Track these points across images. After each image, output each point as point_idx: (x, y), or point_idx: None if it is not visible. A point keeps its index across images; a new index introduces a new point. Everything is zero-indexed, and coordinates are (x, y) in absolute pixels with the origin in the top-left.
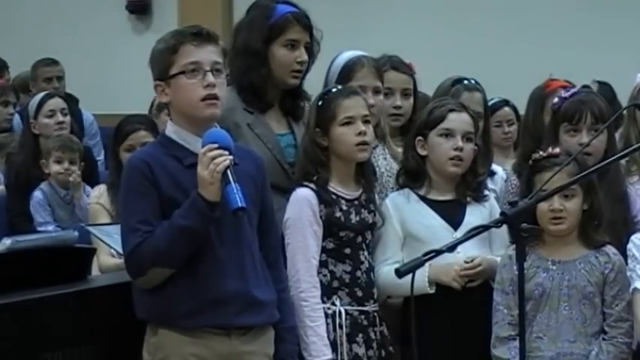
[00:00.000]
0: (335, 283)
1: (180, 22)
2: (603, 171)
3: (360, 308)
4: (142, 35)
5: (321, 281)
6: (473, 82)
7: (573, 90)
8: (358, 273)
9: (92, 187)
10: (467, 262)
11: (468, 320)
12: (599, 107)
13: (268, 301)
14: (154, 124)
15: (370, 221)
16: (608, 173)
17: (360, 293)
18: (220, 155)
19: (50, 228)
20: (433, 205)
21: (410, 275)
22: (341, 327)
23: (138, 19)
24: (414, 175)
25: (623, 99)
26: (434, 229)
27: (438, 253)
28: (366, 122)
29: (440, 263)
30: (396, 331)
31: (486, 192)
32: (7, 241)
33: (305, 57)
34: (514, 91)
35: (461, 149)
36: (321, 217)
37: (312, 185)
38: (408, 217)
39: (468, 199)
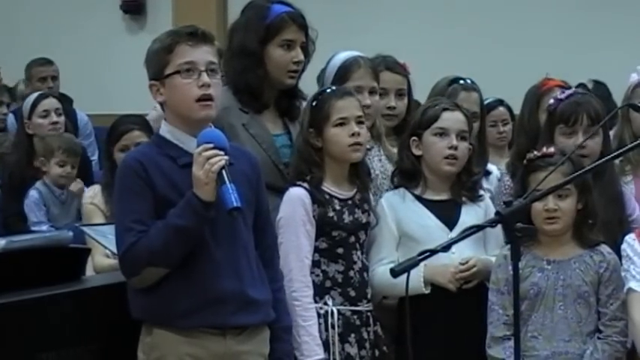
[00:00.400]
0: (327, 283)
1: (174, 22)
2: (598, 171)
3: (353, 308)
4: (137, 35)
5: (313, 281)
6: (469, 81)
7: (569, 91)
8: (351, 273)
9: (87, 187)
10: (462, 264)
11: (463, 320)
12: (594, 109)
13: (264, 300)
14: (148, 125)
15: (364, 221)
16: (604, 174)
17: (352, 293)
18: (216, 155)
19: (44, 228)
20: (428, 204)
21: (405, 275)
22: (333, 327)
23: (132, 19)
24: (409, 175)
25: (619, 98)
26: (429, 228)
27: (433, 253)
28: (359, 123)
29: (435, 263)
30: (391, 332)
31: (481, 192)
32: (2, 242)
33: (301, 57)
34: (509, 90)
35: (455, 148)
36: (314, 216)
37: (305, 185)
38: (403, 217)
39: (464, 198)
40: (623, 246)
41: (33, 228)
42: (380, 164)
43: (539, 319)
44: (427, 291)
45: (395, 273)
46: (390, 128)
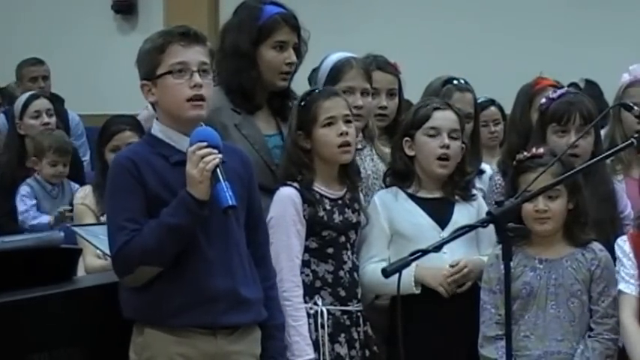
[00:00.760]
0: (317, 283)
1: (165, 22)
2: (590, 171)
3: (343, 308)
4: (128, 35)
5: (303, 281)
6: (463, 82)
7: (561, 91)
8: (341, 273)
9: (78, 187)
10: (452, 266)
11: (455, 320)
12: (587, 108)
13: (255, 299)
14: (140, 125)
15: (354, 221)
16: (595, 173)
17: (342, 293)
18: (210, 154)
19: (31, 214)
20: (421, 203)
21: (396, 274)
22: (323, 327)
23: (123, 19)
24: (402, 175)
25: (611, 98)
26: (421, 227)
27: (425, 253)
28: (347, 122)
29: (427, 264)
30: (382, 332)
31: (474, 191)
32: None
33: (294, 58)
34: (500, 90)
35: (447, 147)
36: (304, 216)
37: (295, 184)
38: (395, 215)
39: (456, 197)
40: (615, 248)
41: (21, 217)
42: (372, 164)
43: (531, 319)
44: (417, 291)
45: (386, 273)
46: (381, 128)
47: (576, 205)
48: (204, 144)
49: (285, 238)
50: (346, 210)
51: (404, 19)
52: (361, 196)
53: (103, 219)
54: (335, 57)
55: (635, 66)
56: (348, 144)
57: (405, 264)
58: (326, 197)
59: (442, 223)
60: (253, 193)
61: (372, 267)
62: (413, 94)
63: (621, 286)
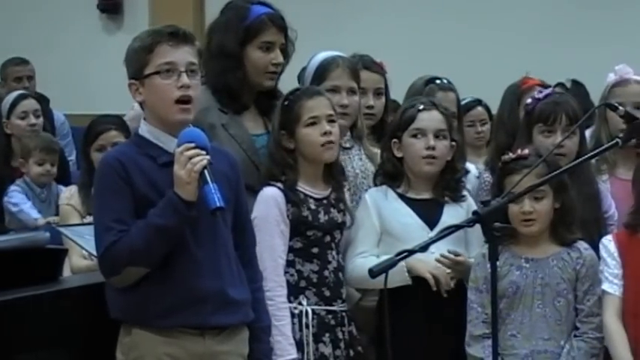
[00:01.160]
0: (302, 283)
1: (151, 21)
2: (575, 171)
3: (328, 308)
4: (114, 35)
5: (288, 281)
6: (446, 81)
7: (547, 91)
8: (326, 272)
9: (64, 187)
10: (450, 252)
11: (442, 320)
12: (573, 109)
13: (243, 300)
14: (125, 125)
15: (339, 220)
16: (580, 173)
17: (327, 293)
18: (197, 155)
19: (27, 206)
20: (410, 203)
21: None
22: (307, 326)
23: (109, 19)
24: (391, 176)
25: (597, 98)
26: (410, 227)
27: (411, 252)
28: (331, 122)
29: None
30: (368, 333)
31: (464, 192)
32: None
33: (280, 59)
34: (487, 90)
35: (433, 148)
36: (288, 216)
37: (279, 184)
38: (385, 214)
39: (446, 198)
40: (600, 247)
41: (14, 209)
42: (361, 163)
43: (518, 318)
44: (410, 281)
45: (373, 273)
46: (368, 127)
47: (562, 204)
48: (192, 145)
49: (268, 238)
50: (331, 210)
51: (390, 18)
52: (347, 195)
53: (88, 219)
54: (321, 56)
55: (620, 66)
56: (331, 143)
57: (391, 264)
58: (311, 197)
59: (431, 223)
60: (241, 195)
61: (361, 261)
62: (400, 94)
63: (605, 286)
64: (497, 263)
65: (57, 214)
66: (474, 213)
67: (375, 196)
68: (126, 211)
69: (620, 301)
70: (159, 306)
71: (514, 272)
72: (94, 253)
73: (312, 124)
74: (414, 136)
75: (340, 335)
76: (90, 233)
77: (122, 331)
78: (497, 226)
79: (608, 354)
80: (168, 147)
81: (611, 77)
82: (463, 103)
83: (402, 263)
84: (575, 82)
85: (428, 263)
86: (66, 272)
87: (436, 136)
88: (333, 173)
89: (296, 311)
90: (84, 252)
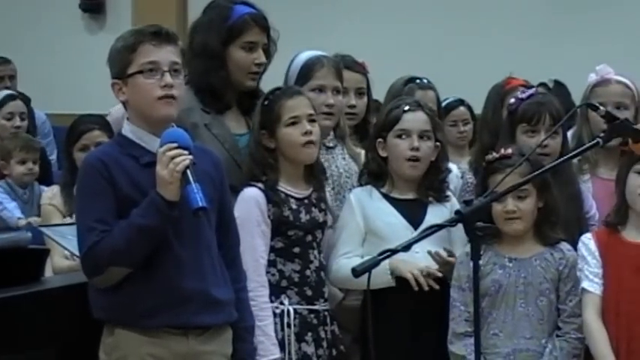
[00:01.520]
0: (284, 282)
1: (134, 21)
2: (557, 171)
3: (310, 307)
4: (96, 35)
5: (269, 280)
6: (425, 81)
7: (530, 91)
8: (307, 272)
9: (46, 187)
10: (445, 250)
11: (426, 319)
12: (556, 109)
13: (227, 300)
14: (108, 124)
15: (321, 220)
16: (562, 173)
17: (309, 292)
18: (180, 155)
19: (12, 205)
20: (395, 203)
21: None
22: (289, 326)
23: (91, 18)
24: (376, 176)
25: (579, 98)
26: (394, 226)
27: (394, 252)
28: (311, 122)
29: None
30: (351, 332)
31: (448, 192)
32: None
33: (263, 59)
34: (469, 90)
35: (417, 149)
36: (269, 216)
37: (260, 185)
38: (370, 213)
39: (430, 198)
40: (579, 245)
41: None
42: (344, 162)
43: (500, 317)
44: (393, 283)
45: (356, 273)
46: (350, 127)
47: (546, 203)
48: (175, 145)
49: (249, 238)
50: (313, 209)
51: (372, 18)
52: (328, 195)
53: (70, 219)
54: (305, 55)
55: (601, 66)
56: (312, 142)
57: (374, 264)
58: (292, 197)
59: (415, 223)
60: (224, 195)
61: (344, 262)
62: (382, 94)
63: (585, 284)
64: (481, 262)
65: (39, 215)
66: (457, 212)
67: (360, 196)
68: (108, 212)
69: (600, 299)
70: (142, 306)
71: (497, 271)
72: (76, 253)
73: (293, 123)
74: (399, 136)
75: (323, 334)
76: (72, 233)
77: (105, 331)
78: (479, 226)
79: (589, 354)
80: (151, 147)
81: (593, 77)
82: (446, 103)
83: (386, 263)
84: (557, 83)
85: (410, 263)
86: (48, 272)
87: (420, 137)
88: (314, 173)
89: (278, 311)
90: (66, 252)
